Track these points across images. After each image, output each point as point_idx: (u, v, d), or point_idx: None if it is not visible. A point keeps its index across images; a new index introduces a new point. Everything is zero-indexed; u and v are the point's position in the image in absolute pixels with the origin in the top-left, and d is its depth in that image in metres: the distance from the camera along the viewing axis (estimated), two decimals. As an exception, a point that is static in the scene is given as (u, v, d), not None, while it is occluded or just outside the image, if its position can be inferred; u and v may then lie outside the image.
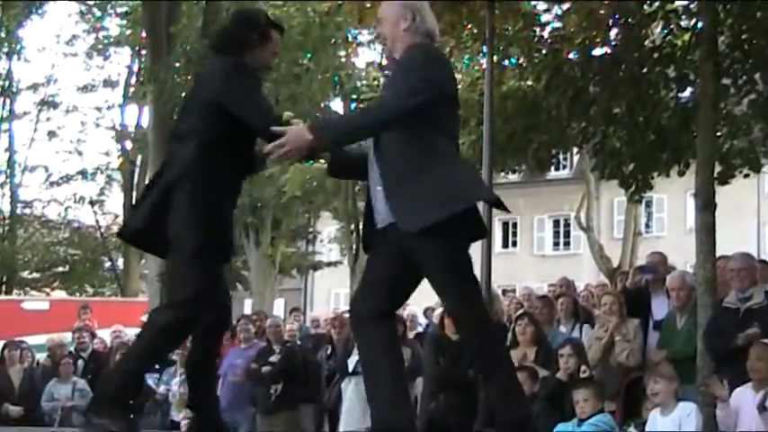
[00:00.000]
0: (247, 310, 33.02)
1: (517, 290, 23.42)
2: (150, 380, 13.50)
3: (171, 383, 12.99)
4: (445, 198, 4.95)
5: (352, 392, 11.12)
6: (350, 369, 11.23)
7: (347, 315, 13.63)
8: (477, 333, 5.17)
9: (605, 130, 13.25)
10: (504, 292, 19.32)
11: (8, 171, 38.81)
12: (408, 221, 4.93)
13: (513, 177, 30.15)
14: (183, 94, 21.87)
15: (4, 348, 14.18)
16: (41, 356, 15.20)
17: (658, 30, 12.76)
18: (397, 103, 5.06)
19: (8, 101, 38.33)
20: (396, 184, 5.03)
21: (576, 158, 37.02)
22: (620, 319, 9.99)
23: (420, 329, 13.63)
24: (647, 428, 8.41)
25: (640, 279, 10.83)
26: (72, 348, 14.56)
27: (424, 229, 4.89)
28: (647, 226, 39.84)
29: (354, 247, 28.06)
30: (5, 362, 13.77)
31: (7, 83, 37.92)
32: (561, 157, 27.61)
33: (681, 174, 13.34)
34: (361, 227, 27.82)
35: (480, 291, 5.34)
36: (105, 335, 15.90)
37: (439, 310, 12.28)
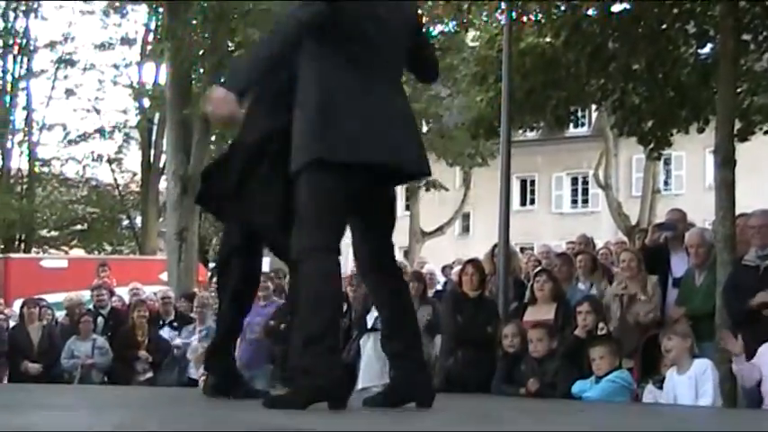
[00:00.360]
0: (266, 267, 33.08)
1: (535, 248, 23.42)
2: (169, 336, 13.59)
3: (190, 340, 13.05)
4: None
5: (370, 349, 11.13)
6: (368, 325, 11.23)
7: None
8: None
9: (624, 87, 13.16)
10: (521, 249, 19.27)
11: (26, 129, 38.84)
12: None
13: (531, 135, 30.09)
14: (201, 52, 21.89)
15: (23, 306, 14.25)
16: (60, 314, 15.27)
17: (678, -15, 12.65)
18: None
19: (26, 59, 38.26)
20: None
21: (594, 115, 36.91)
22: (638, 277, 9.98)
23: (439, 287, 13.62)
24: (665, 386, 8.41)
25: (659, 236, 10.78)
26: (91, 306, 14.62)
27: None
28: (666, 183, 39.72)
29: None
30: (24, 319, 13.83)
31: (24, 41, 37.86)
32: (579, 114, 27.55)
33: (700, 131, 13.27)
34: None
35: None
36: (123, 292, 15.98)
37: (457, 268, 12.29)
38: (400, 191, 40.85)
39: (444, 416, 4.84)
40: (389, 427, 3.95)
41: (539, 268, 11.38)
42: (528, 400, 8.58)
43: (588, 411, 5.78)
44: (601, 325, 9.29)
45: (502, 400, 8.26)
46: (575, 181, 44.75)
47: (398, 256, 30.30)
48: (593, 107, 19.55)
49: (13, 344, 13.58)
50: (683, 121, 13.25)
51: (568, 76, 13.15)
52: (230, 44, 22.65)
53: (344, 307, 12.54)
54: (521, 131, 17.89)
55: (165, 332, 13.79)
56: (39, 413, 4.23)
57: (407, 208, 36.34)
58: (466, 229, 44.42)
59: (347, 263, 5.57)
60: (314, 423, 3.86)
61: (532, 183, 44.81)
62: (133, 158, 39.84)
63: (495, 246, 12.14)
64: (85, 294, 15.26)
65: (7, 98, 37.26)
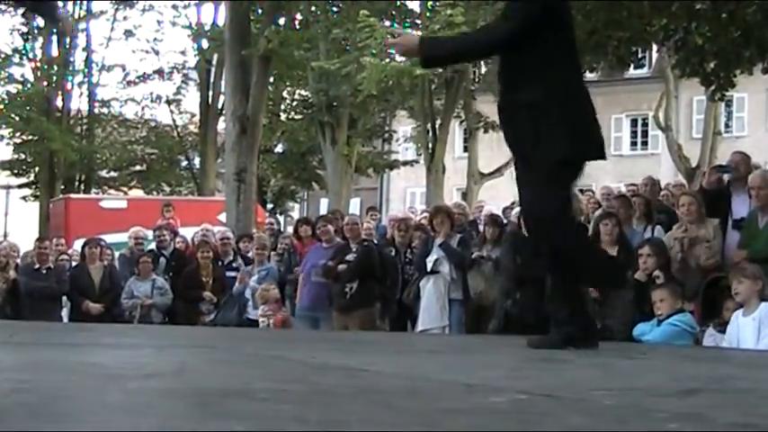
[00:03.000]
0: (323, 209, 33.23)
1: (594, 190, 23.27)
2: (230, 277, 13.66)
3: (250, 281, 13.11)
4: None
5: (430, 291, 11.15)
6: (428, 268, 11.24)
7: (411, 218, 13.73)
8: None
9: (687, 27, 12.99)
10: (581, 191, 19.15)
11: (86, 71, 39.06)
12: None
13: (590, 76, 29.74)
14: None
15: (84, 246, 14.35)
16: (123, 250, 15.36)
17: None
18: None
19: (85, 1, 38.43)
20: None
21: (654, 56, 36.47)
22: (698, 220, 9.89)
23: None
24: (728, 328, 8.35)
25: (717, 178, 10.65)
26: (153, 246, 14.70)
27: None
28: (727, 126, 39.26)
29: (431, 145, 27.99)
30: (86, 259, 13.94)
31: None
32: (640, 54, 27.25)
33: (765, 71, 13.09)
34: (438, 126, 27.76)
35: None
36: (183, 233, 16.09)
37: (517, 209, 12.25)
38: (458, 132, 40.76)
39: (507, 359, 4.85)
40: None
41: (601, 211, 11.32)
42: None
43: (651, 355, 5.75)
44: (656, 273, 9.19)
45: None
46: (634, 123, 44.33)
47: (457, 197, 30.43)
48: (654, 48, 19.29)
49: (74, 284, 13.68)
50: (746, 62, 13.07)
51: (630, 15, 12.99)
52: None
53: (393, 251, 12.58)
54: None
55: (227, 273, 13.85)
56: (105, 352, 4.28)
57: (465, 150, 36.23)
58: (524, 170, 44.18)
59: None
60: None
61: (591, 124, 44.45)
62: (192, 99, 40.02)
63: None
64: (148, 233, 15.31)
65: (67, 40, 37.42)
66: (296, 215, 40.44)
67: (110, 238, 16.29)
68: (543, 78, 5.44)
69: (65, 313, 13.96)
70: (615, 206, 11.27)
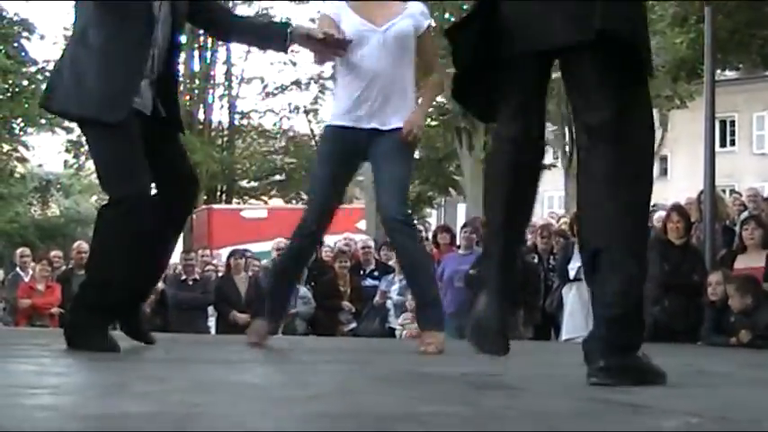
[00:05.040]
0: (461, 214, 33.19)
1: (737, 188, 22.86)
2: (369, 285, 13.72)
3: (390, 290, 13.17)
4: None
5: (574, 298, 11.07)
6: (570, 276, 11.16)
7: (552, 224, 13.62)
8: None
9: (834, 23, 12.70)
10: (723, 191, 18.84)
11: (226, 83, 39.74)
12: None
13: (730, 74, 29.29)
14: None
15: (229, 257, 14.59)
16: (264, 262, 15.57)
17: None
18: None
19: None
20: None
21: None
22: None
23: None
24: None
25: None
26: (295, 256, 14.82)
27: None
28: None
29: (568, 149, 27.76)
30: (231, 270, 14.17)
31: (224, -1, 38.68)
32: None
33: None
34: (574, 130, 27.62)
35: None
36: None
37: (660, 213, 12.08)
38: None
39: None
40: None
41: (746, 214, 11.12)
42: (740, 351, 8.41)
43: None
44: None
45: (713, 352, 8.12)
46: (777, 120, 43.45)
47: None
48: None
49: (220, 294, 13.92)
50: None
51: (775, 13, 12.75)
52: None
53: (535, 257, 12.50)
54: (719, 71, 17.46)
55: (366, 282, 13.94)
56: (262, 369, 4.35)
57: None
58: (664, 171, 43.64)
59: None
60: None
61: (732, 123, 43.60)
62: (329, 109, 40.27)
63: (702, 192, 11.88)
64: (291, 243, 15.41)
65: (208, 54, 38.13)
66: (433, 221, 40.49)
67: (251, 248, 16.50)
68: None
69: (211, 323, 14.20)
70: (764, 209, 11.08)
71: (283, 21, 6.99)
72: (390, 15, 6.11)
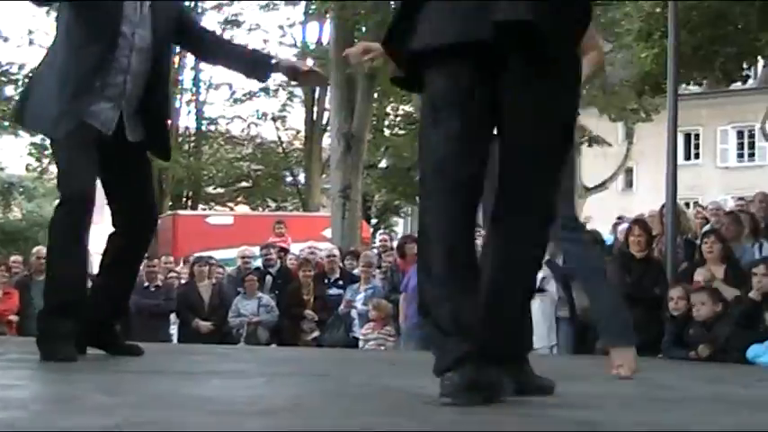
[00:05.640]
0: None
1: (701, 202, 22.98)
2: (334, 294, 13.70)
3: (355, 299, 13.15)
4: None
5: (537, 310, 11.09)
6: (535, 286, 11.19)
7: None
8: None
9: (796, 41, 12.81)
10: (687, 204, 18.95)
11: (194, 89, 39.66)
12: None
13: (694, 88, 29.43)
14: (362, 12, 21.98)
15: (193, 264, 14.54)
16: (229, 269, 15.54)
17: None
18: None
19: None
20: None
21: (760, 67, 35.90)
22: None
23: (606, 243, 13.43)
24: None
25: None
26: (260, 264, 14.83)
27: None
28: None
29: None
30: (195, 277, 14.12)
31: (193, 3, 38.54)
32: (746, 70, 26.97)
33: None
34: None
35: None
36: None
37: (623, 226, 12.13)
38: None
39: (618, 384, 4.80)
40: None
41: (707, 228, 11.18)
42: (700, 365, 8.45)
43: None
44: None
45: (673, 366, 8.16)
46: (740, 134, 43.67)
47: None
48: (761, 60, 19.03)
49: (183, 301, 13.86)
50: None
51: (737, 30, 12.84)
52: (393, 3, 22.70)
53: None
54: (683, 85, 17.57)
55: (331, 291, 13.91)
56: (217, 382, 4.33)
57: (569, 163, 35.87)
58: (629, 184, 43.86)
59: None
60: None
61: (697, 136, 43.85)
62: (297, 116, 40.31)
63: (664, 206, 11.93)
64: (256, 250, 15.44)
65: (176, 59, 38.06)
66: (400, 230, 40.51)
67: (216, 255, 16.45)
68: None
69: (174, 330, 14.15)
70: (725, 223, 11.14)
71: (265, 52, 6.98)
72: None
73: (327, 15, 24.15)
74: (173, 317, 14.12)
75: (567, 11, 3.59)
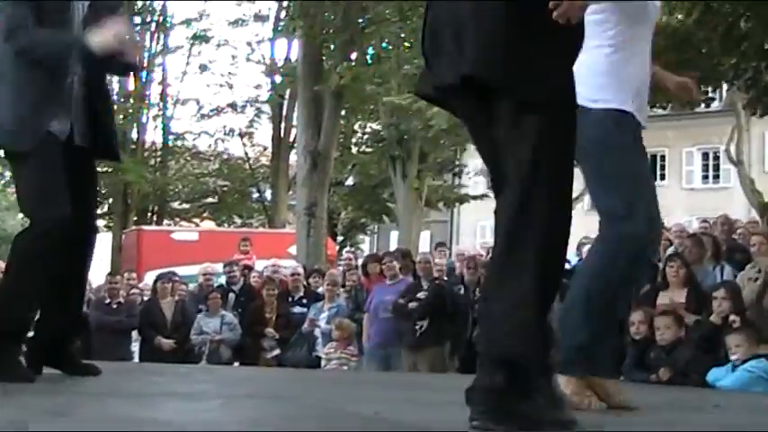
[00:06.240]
0: (393, 242, 33.22)
1: (665, 223, 23.05)
2: (298, 312, 13.66)
3: (319, 317, 13.12)
4: None
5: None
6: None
7: (481, 254, 13.62)
8: None
9: (758, 66, 12.90)
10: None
11: (161, 104, 39.64)
12: None
13: (659, 110, 29.61)
14: (331, 30, 22.03)
15: (156, 281, 14.48)
16: (191, 286, 15.48)
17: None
18: None
19: (162, 36, 39.10)
20: None
21: (725, 90, 36.19)
22: (772, 260, 9.76)
23: (569, 266, 13.44)
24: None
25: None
26: (222, 281, 14.79)
27: None
28: (801, 160, 38.88)
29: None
30: (158, 293, 14.05)
31: (161, 18, 38.58)
32: (710, 93, 27.13)
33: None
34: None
35: None
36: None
37: (588, 246, 12.14)
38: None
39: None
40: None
41: (670, 251, 11.21)
42: (660, 388, 8.46)
43: (726, 405, 5.61)
44: (732, 317, 9.04)
45: (633, 389, 8.16)
46: (705, 156, 43.96)
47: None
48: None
49: (145, 318, 13.80)
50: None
51: (700, 55, 12.92)
52: (361, 21, 22.78)
53: (462, 289, 12.50)
54: (650, 107, 17.65)
55: (295, 309, 13.87)
56: (173, 404, 4.30)
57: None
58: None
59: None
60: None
61: (663, 158, 44.08)
62: (264, 132, 40.36)
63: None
64: (218, 267, 15.40)
65: (144, 73, 38.01)
66: (366, 248, 40.52)
67: (181, 271, 16.41)
68: None
69: (135, 348, 14.07)
70: (688, 245, 11.17)
71: None
72: None
73: (296, 33, 24.16)
74: (134, 334, 14.05)
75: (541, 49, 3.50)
